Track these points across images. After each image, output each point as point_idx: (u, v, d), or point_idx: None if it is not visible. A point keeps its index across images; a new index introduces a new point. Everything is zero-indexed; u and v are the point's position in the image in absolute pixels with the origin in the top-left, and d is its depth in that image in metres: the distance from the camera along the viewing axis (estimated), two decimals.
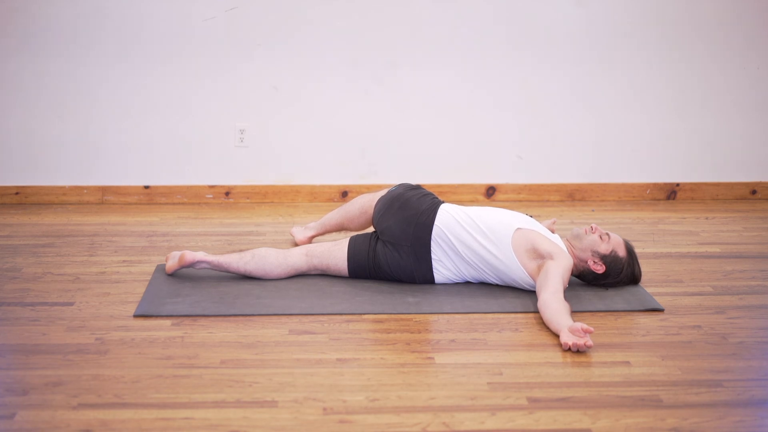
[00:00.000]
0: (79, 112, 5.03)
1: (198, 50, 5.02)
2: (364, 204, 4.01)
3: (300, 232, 4.27)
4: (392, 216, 3.72)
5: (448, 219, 3.64)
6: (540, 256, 3.54)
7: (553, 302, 3.29)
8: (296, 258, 3.76)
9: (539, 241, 3.57)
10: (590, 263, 3.63)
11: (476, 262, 3.63)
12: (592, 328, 3.10)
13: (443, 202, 3.79)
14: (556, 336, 3.20)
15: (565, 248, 3.61)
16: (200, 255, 3.72)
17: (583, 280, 3.73)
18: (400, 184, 3.93)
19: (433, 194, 3.86)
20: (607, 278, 3.67)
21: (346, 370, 2.94)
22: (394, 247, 3.69)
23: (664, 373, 2.94)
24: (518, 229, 3.60)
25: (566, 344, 3.08)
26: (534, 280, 3.55)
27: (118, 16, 4.93)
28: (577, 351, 3.08)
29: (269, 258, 3.74)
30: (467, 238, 3.61)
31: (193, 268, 3.76)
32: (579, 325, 3.10)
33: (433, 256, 3.66)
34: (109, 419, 2.61)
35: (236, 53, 5.04)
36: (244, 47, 5.03)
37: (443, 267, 3.68)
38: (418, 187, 3.90)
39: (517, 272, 3.58)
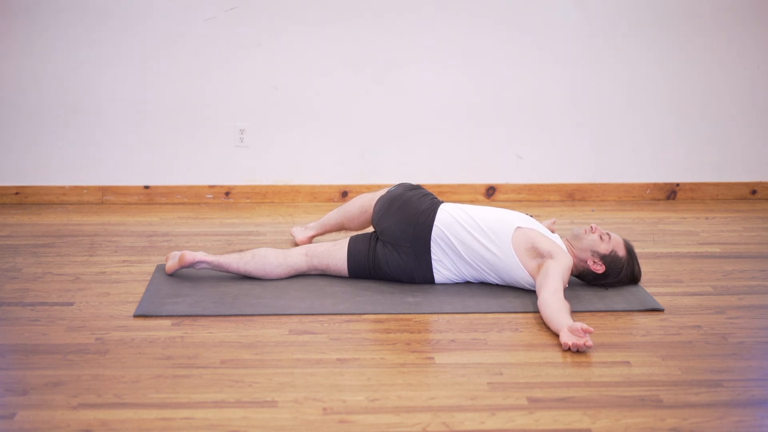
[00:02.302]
0: (79, 112, 5.03)
1: (198, 50, 5.02)
2: (364, 203, 4.01)
3: (300, 232, 4.28)
4: (392, 216, 3.72)
5: (447, 219, 3.64)
6: (540, 255, 3.54)
7: (553, 301, 3.29)
8: (296, 258, 3.76)
9: (539, 240, 3.57)
10: (590, 263, 3.63)
11: (476, 261, 3.63)
12: (591, 329, 3.09)
13: (443, 201, 3.79)
14: (556, 335, 3.20)
15: (565, 248, 3.61)
16: (200, 255, 3.72)
17: (582, 280, 3.73)
18: (399, 184, 3.93)
19: (432, 194, 3.86)
20: (606, 278, 3.67)
21: (346, 370, 2.94)
22: (393, 248, 3.69)
23: (664, 373, 2.94)
24: (518, 227, 3.60)
25: (566, 344, 3.07)
26: (534, 280, 3.55)
27: (118, 16, 4.93)
28: (577, 351, 3.08)
29: (269, 258, 3.74)
30: (467, 238, 3.61)
31: (193, 268, 3.76)
32: (579, 325, 3.09)
33: (432, 256, 3.66)
34: (109, 419, 2.61)
35: (236, 53, 5.04)
36: (244, 47, 5.03)
37: (443, 267, 3.68)
38: (418, 187, 3.90)
39: (517, 271, 3.58)
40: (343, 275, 3.79)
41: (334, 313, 3.42)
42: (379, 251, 3.71)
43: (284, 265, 3.75)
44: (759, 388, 2.86)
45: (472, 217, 3.63)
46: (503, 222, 3.62)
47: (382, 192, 3.95)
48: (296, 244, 4.22)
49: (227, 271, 3.75)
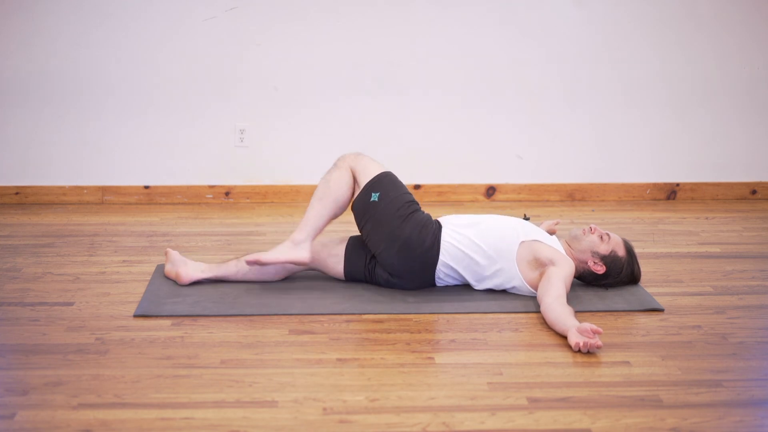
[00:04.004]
0: (79, 111, 5.03)
1: (198, 50, 5.02)
2: (346, 192, 3.73)
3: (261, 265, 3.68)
4: (394, 256, 3.59)
5: (452, 250, 3.55)
6: (542, 264, 3.51)
7: (556, 306, 3.27)
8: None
9: (541, 249, 3.54)
10: (590, 264, 3.63)
11: (479, 280, 3.62)
12: (600, 329, 3.08)
13: (441, 225, 3.62)
14: (558, 336, 3.20)
15: (564, 252, 3.59)
16: (197, 274, 3.66)
17: (582, 280, 3.72)
18: (384, 173, 3.74)
19: (428, 216, 3.66)
20: (607, 279, 3.66)
21: (346, 370, 2.94)
22: (396, 277, 3.65)
23: (664, 373, 2.94)
24: (522, 242, 3.57)
25: (576, 344, 3.05)
26: (535, 290, 3.53)
27: (118, 16, 4.93)
28: (587, 351, 3.07)
29: (268, 267, 3.71)
30: (471, 264, 3.57)
31: None
32: (587, 325, 3.07)
33: (437, 281, 3.65)
34: (109, 419, 2.61)
35: (236, 53, 5.04)
36: (244, 47, 5.03)
37: (445, 282, 3.68)
38: (412, 204, 3.66)
39: (520, 286, 3.56)
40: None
41: (334, 313, 3.42)
42: (379, 275, 3.67)
43: (282, 271, 3.73)
44: (759, 388, 2.86)
45: (474, 241, 3.56)
46: (505, 238, 3.55)
47: (352, 161, 3.72)
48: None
49: (227, 282, 3.72)
